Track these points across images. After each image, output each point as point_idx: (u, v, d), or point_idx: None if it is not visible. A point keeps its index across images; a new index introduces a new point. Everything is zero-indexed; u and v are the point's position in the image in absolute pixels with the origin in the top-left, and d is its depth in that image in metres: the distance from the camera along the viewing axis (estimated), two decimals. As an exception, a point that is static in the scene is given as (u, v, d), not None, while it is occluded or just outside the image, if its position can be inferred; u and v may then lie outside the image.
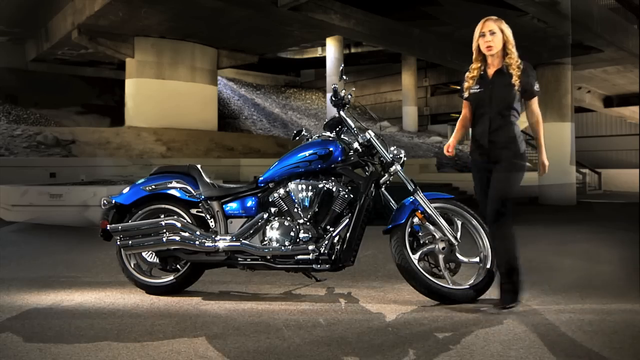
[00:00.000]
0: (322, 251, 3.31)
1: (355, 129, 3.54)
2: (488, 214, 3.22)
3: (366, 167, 3.52)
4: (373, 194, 3.41)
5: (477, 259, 3.50)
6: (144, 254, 3.70)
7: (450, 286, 3.35)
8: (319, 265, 3.35)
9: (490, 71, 3.20)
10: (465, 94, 3.30)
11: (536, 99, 3.26)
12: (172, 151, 14.86)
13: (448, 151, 3.45)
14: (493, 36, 3.09)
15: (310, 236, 3.39)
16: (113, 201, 3.69)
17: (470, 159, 3.41)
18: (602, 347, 2.58)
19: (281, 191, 3.48)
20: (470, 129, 3.44)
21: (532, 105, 3.25)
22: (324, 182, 3.44)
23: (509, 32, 3.13)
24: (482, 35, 3.12)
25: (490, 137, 3.19)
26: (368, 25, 12.48)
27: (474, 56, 3.23)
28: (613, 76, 17.56)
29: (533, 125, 3.29)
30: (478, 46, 3.17)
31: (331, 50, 21.41)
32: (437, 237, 3.42)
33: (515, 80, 3.09)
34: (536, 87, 3.20)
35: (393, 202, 3.53)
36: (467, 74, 3.27)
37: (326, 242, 3.33)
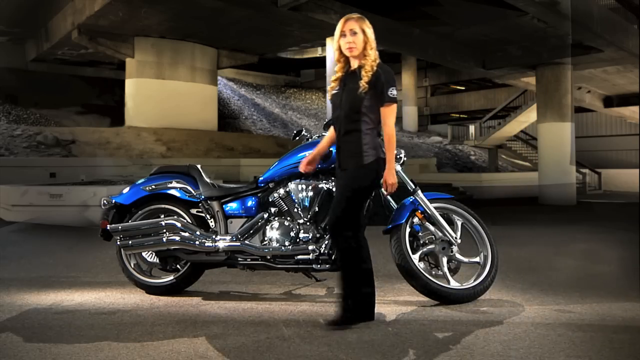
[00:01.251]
0: (322, 251, 3.31)
1: (355, 129, 3.53)
2: (328, 224, 3.04)
3: (366, 167, 3.51)
4: (373, 194, 3.40)
5: (477, 259, 3.50)
6: (144, 254, 3.70)
7: (450, 286, 3.35)
8: (319, 265, 3.35)
9: (349, 73, 2.98)
10: (329, 96, 3.09)
11: (391, 108, 2.89)
12: (172, 151, 14.87)
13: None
14: (354, 36, 2.88)
15: (310, 236, 3.39)
16: (113, 201, 3.69)
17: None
18: (602, 347, 2.59)
19: (281, 191, 3.48)
20: None
21: (383, 113, 2.89)
22: (324, 182, 3.44)
23: (370, 32, 2.91)
24: (343, 35, 2.91)
25: (339, 142, 2.98)
26: (368, 25, 12.45)
27: (336, 57, 3.00)
28: (613, 76, 17.55)
29: (384, 137, 2.92)
30: (340, 46, 2.94)
31: (331, 50, 21.40)
32: (437, 237, 3.42)
33: (364, 82, 2.84)
34: (390, 92, 2.86)
35: (393, 202, 3.53)
36: (332, 75, 3.05)
37: (326, 242, 3.33)
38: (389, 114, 2.91)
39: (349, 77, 2.96)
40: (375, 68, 2.88)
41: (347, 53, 2.93)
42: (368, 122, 2.91)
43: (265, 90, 27.50)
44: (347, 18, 2.93)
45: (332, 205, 3.01)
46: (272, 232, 3.44)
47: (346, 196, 2.94)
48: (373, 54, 2.91)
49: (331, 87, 3.05)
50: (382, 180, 2.95)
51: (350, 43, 2.89)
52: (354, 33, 2.89)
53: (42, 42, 18.24)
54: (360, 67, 2.91)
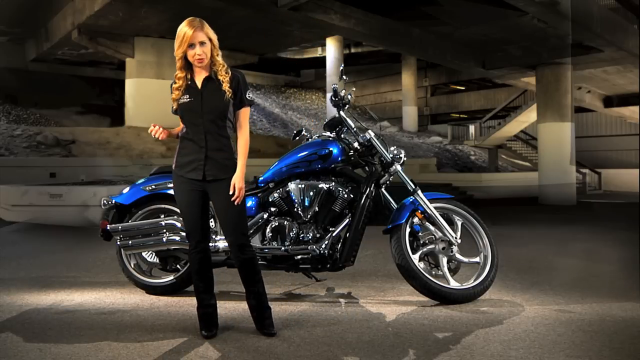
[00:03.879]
0: (322, 251, 3.31)
1: (355, 129, 3.54)
2: (234, 246, 2.86)
3: (366, 167, 3.52)
4: (373, 194, 3.41)
5: (477, 259, 3.50)
6: (144, 254, 3.70)
7: (450, 286, 3.35)
8: (319, 265, 3.35)
9: (198, 79, 2.84)
10: (174, 107, 2.87)
11: (247, 111, 2.90)
12: (172, 151, 14.81)
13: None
14: (203, 47, 2.75)
15: (310, 236, 3.39)
16: (113, 201, 3.69)
17: (174, 178, 2.96)
18: (602, 347, 2.59)
19: (281, 191, 3.48)
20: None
21: (241, 116, 2.87)
22: (324, 182, 3.44)
23: (214, 37, 2.80)
24: (192, 46, 2.74)
25: (209, 152, 2.81)
26: (368, 25, 12.46)
27: (178, 65, 2.82)
28: (613, 76, 17.54)
29: (239, 140, 2.87)
30: (184, 55, 2.78)
31: (331, 50, 21.42)
32: (437, 237, 3.42)
33: (226, 87, 2.79)
34: (248, 95, 2.88)
35: (393, 202, 3.53)
36: (173, 85, 2.85)
37: (326, 242, 3.33)
38: (246, 116, 2.90)
39: (206, 83, 2.84)
40: (230, 72, 2.84)
41: (197, 64, 2.80)
42: (231, 128, 2.87)
43: (265, 90, 27.50)
44: (194, 28, 2.76)
45: (232, 220, 2.82)
46: (272, 232, 3.44)
47: (240, 206, 2.84)
48: (221, 59, 2.85)
49: (176, 95, 2.83)
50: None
51: (201, 55, 2.76)
52: (203, 43, 2.77)
53: (42, 42, 18.24)
54: (215, 73, 2.83)
